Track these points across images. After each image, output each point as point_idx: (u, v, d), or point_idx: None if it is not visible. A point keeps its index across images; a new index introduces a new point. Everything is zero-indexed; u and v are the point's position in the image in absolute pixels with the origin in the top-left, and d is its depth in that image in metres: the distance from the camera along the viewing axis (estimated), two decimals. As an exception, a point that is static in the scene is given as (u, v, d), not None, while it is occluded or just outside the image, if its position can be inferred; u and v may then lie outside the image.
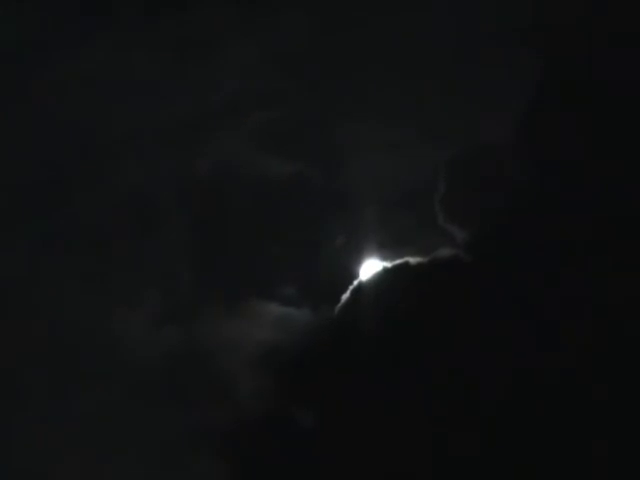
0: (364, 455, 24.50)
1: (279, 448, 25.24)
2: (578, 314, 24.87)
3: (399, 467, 24.35)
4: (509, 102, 27.85)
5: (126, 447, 25.14)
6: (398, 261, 27.10)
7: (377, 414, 24.75)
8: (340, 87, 29.92)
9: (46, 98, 29.95)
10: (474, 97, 28.50)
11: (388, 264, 27.17)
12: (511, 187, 26.90)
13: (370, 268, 27.44)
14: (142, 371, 26.15)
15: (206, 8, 30.70)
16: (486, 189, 27.19)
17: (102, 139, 29.57)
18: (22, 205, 28.84)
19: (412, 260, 26.98)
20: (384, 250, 27.76)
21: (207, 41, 30.57)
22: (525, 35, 28.36)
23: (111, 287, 27.68)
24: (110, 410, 25.62)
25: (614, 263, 25.16)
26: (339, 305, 26.88)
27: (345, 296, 26.95)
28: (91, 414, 25.55)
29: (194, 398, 25.93)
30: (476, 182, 27.59)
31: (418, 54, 29.40)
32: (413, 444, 24.30)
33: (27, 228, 28.30)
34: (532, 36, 28.33)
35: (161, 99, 30.09)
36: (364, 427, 24.69)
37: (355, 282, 27.15)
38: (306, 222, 28.85)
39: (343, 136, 29.50)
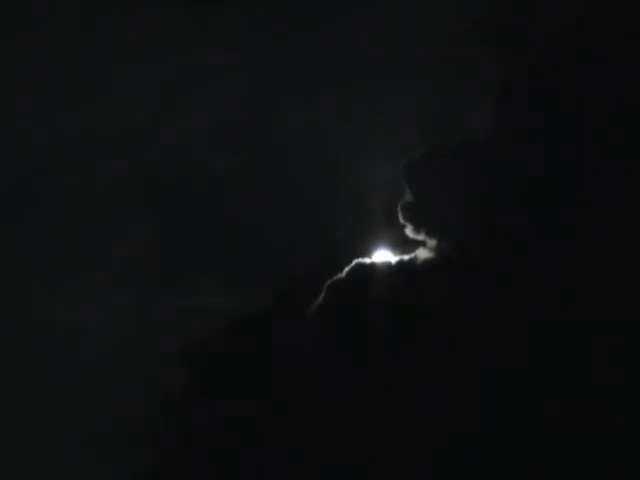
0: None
1: (211, 444, 25.86)
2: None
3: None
4: (508, 102, 27.43)
5: (62, 443, 26.10)
6: (380, 260, 27.28)
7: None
8: (340, 87, 29.84)
9: (40, 99, 30.21)
10: (474, 97, 28.11)
11: (368, 261, 27.34)
12: (481, 189, 26.59)
13: (355, 265, 27.47)
14: (81, 371, 26.95)
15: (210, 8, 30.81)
16: (451, 193, 26.86)
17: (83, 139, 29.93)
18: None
19: (394, 260, 27.10)
20: (378, 249, 27.72)
21: (207, 40, 30.55)
22: (525, 36, 28.00)
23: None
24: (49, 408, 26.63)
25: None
26: (316, 302, 27.03)
27: (321, 295, 27.08)
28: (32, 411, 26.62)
29: (129, 396, 26.52)
30: (439, 187, 27.20)
31: (419, 54, 29.26)
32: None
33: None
34: (532, 37, 27.94)
35: (155, 101, 30.28)
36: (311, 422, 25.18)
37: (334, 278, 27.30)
38: (305, 223, 28.62)
39: (343, 136, 29.19)
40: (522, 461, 23.98)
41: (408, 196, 27.50)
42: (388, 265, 27.06)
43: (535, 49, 27.73)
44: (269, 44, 30.55)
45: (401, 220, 27.46)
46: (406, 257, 27.05)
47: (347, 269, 27.20)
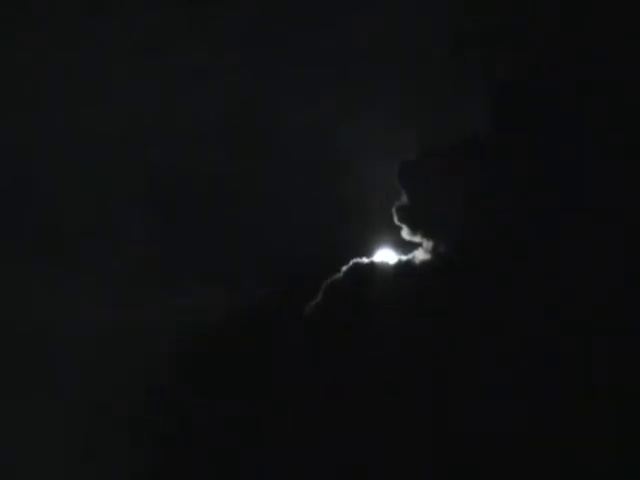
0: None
1: (211, 444, 25.96)
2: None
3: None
4: (508, 102, 27.63)
5: (62, 443, 26.22)
6: (379, 260, 27.40)
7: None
8: (340, 87, 29.81)
9: (40, 99, 30.14)
10: (474, 97, 28.15)
11: (366, 261, 27.40)
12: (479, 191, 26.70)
13: (353, 265, 27.60)
14: (81, 371, 27.03)
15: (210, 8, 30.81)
16: (451, 193, 26.92)
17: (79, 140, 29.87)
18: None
19: (391, 261, 27.22)
20: (379, 250, 27.84)
21: (207, 40, 30.52)
22: (525, 36, 28.12)
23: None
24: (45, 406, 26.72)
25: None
26: (315, 300, 27.13)
27: (320, 295, 27.19)
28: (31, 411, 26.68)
29: (129, 396, 26.62)
30: (439, 187, 27.24)
31: (419, 55, 29.30)
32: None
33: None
34: (532, 37, 28.07)
35: (155, 101, 30.16)
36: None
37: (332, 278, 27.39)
38: (305, 223, 28.56)
39: (343, 136, 29.17)
40: (522, 461, 24.00)
41: (404, 198, 27.57)
42: (386, 265, 27.16)
43: (535, 49, 27.82)
44: (269, 44, 30.56)
45: (396, 222, 27.54)
46: (404, 258, 27.14)
47: (345, 268, 27.30)
